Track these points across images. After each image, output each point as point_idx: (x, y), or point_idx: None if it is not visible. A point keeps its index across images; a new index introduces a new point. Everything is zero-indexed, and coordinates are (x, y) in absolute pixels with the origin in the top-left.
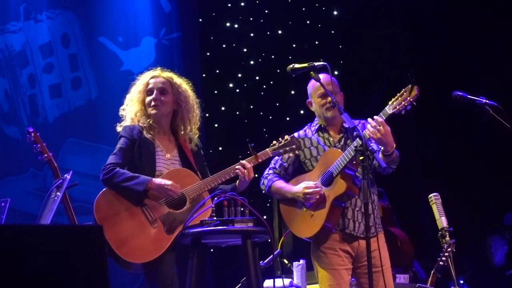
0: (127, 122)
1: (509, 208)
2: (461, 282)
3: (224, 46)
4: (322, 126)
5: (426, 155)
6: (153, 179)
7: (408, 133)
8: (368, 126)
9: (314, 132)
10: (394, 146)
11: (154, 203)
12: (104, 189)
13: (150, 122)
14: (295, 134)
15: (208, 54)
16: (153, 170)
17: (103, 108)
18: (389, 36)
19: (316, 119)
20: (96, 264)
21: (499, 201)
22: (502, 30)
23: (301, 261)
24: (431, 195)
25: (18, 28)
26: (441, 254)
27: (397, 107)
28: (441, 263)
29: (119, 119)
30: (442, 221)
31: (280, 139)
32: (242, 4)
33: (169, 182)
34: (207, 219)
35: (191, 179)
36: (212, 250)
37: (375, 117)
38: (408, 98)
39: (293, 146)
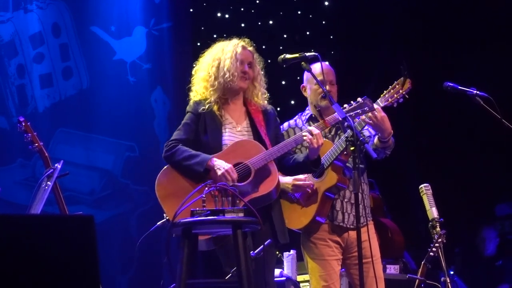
0: (194, 92)
1: (500, 199)
2: (452, 272)
3: (215, 36)
4: (313, 115)
5: (418, 145)
6: (213, 158)
7: (400, 123)
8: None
9: (304, 122)
10: (392, 132)
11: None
12: (165, 167)
13: (222, 93)
14: (285, 124)
15: (199, 44)
16: (220, 145)
17: (94, 97)
18: (381, 26)
19: (307, 108)
20: (86, 254)
21: (490, 192)
22: (497, 23)
23: (292, 252)
24: (421, 185)
25: (7, 18)
26: (432, 245)
27: (389, 99)
28: (431, 253)
29: (111, 108)
30: (432, 212)
31: (351, 102)
32: None
33: (226, 166)
34: (197, 209)
35: (256, 150)
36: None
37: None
38: (401, 91)
39: (366, 108)
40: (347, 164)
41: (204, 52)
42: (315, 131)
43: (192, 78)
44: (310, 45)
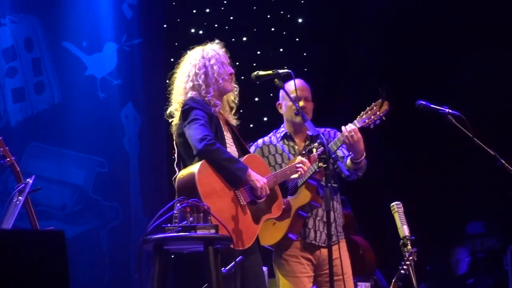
0: (190, 92)
1: (471, 217)
2: None
3: (188, 52)
4: (288, 133)
5: (390, 163)
6: (249, 169)
7: (372, 141)
8: (343, 130)
9: (279, 140)
10: (364, 154)
11: (242, 188)
12: (202, 162)
13: (218, 97)
14: (260, 141)
15: (172, 60)
16: None
17: (66, 112)
18: (354, 44)
19: (282, 125)
20: (57, 269)
21: (461, 210)
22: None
23: (263, 268)
24: (393, 203)
25: None
26: (403, 263)
27: (366, 120)
28: (402, 271)
29: (82, 124)
30: (404, 230)
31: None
32: (207, 10)
33: (265, 180)
34: (169, 225)
35: (265, 168)
36: (173, 256)
37: (349, 124)
38: (378, 113)
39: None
40: (321, 183)
41: (179, 63)
42: (308, 164)
43: (171, 90)
44: (284, 62)
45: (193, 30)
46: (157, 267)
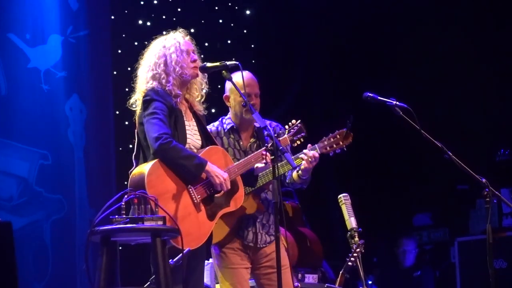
0: (151, 81)
1: (418, 209)
2: (370, 282)
3: (136, 43)
4: (235, 127)
5: (338, 155)
6: (209, 163)
7: (320, 132)
8: (305, 152)
9: (225, 131)
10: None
11: (198, 185)
12: (154, 163)
13: (179, 86)
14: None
15: (119, 51)
16: (185, 144)
17: (12, 104)
18: (301, 36)
19: (229, 117)
20: (4, 259)
21: (408, 202)
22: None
23: (210, 260)
24: (340, 195)
25: None
26: (350, 255)
27: (328, 148)
28: (349, 263)
29: (27, 116)
30: (351, 222)
31: (290, 124)
32: (155, 2)
33: (224, 175)
34: (116, 216)
35: (227, 160)
36: (120, 248)
37: (313, 152)
38: (341, 143)
39: (303, 134)
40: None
41: (143, 54)
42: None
43: (136, 80)
44: (232, 54)
45: (140, 22)
46: (104, 259)
